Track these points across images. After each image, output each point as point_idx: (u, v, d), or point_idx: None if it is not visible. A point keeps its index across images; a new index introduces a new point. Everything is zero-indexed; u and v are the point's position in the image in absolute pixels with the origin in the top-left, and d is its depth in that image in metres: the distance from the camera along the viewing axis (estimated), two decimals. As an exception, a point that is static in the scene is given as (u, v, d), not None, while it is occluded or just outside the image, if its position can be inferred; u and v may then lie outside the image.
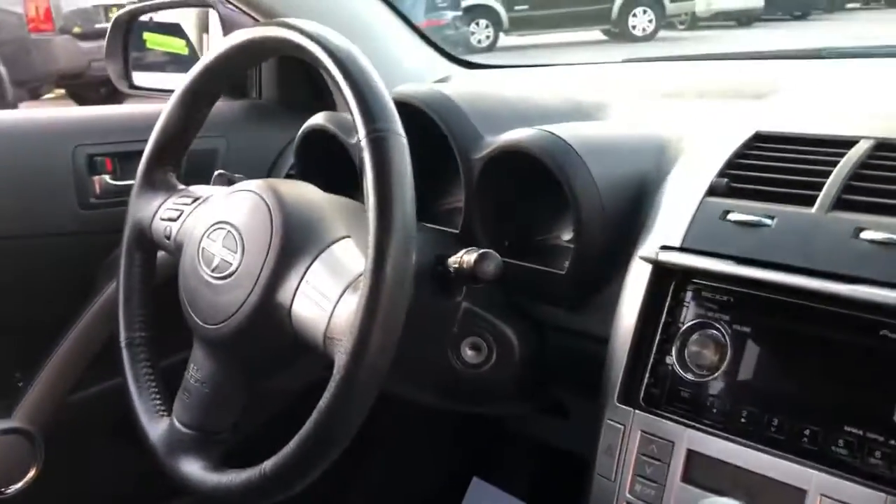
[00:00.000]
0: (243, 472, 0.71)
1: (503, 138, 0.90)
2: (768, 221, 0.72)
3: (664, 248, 0.76)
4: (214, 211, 0.83)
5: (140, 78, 1.46)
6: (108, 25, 1.45)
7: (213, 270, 0.79)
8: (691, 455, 0.71)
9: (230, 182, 0.92)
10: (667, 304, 0.75)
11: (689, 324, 0.74)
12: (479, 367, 0.89)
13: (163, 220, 0.89)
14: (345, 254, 0.75)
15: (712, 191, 0.77)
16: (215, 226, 0.81)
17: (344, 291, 0.69)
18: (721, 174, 0.79)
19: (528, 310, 0.92)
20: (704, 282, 0.74)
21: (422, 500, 1.45)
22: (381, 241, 0.63)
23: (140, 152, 0.93)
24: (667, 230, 0.78)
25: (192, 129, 0.91)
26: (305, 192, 0.83)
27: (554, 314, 0.90)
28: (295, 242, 0.75)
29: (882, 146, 0.72)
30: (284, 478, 0.68)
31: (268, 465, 0.69)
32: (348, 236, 0.76)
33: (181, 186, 0.92)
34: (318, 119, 1.08)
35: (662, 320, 0.75)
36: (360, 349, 0.63)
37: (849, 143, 0.74)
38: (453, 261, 0.79)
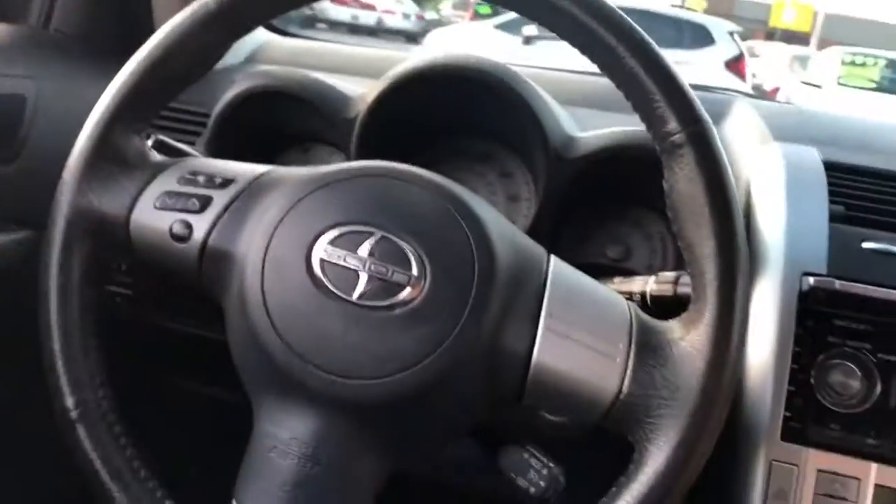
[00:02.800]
0: None
1: (604, 138, 0.82)
2: None
3: (807, 274, 0.74)
4: (317, 206, 0.56)
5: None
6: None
7: (361, 296, 0.52)
8: (879, 491, 0.69)
9: (177, 153, 0.67)
10: (810, 333, 0.73)
11: (833, 353, 0.72)
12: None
13: (162, 210, 0.59)
14: (572, 282, 0.57)
15: (833, 217, 0.77)
16: (337, 229, 0.54)
17: (631, 344, 0.53)
18: (833, 201, 0.78)
19: None
20: (846, 311, 0.72)
21: None
22: (728, 278, 0.51)
23: None
24: (799, 257, 0.77)
25: (191, 73, 0.62)
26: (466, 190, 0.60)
27: None
28: (512, 267, 0.54)
29: None
30: None
31: None
32: (548, 255, 0.58)
33: (167, 160, 0.64)
34: (279, 79, 0.87)
35: (805, 351, 0.73)
36: (706, 417, 0.50)
37: None
38: (654, 290, 0.69)
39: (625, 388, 0.51)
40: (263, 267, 0.54)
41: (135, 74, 0.60)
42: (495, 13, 12.19)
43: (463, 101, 0.85)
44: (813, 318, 0.72)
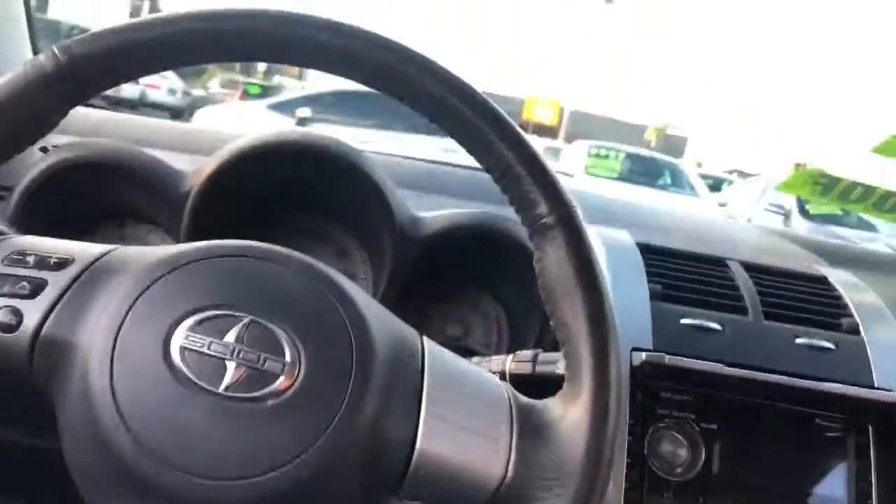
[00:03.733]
0: None
1: (448, 218, 0.84)
2: (718, 327, 0.80)
3: (636, 349, 0.78)
4: (175, 289, 0.50)
5: None
6: None
7: (228, 387, 0.47)
8: None
9: None
10: (640, 405, 0.77)
11: (662, 424, 0.76)
12: None
13: None
14: (449, 364, 0.55)
15: (653, 296, 0.83)
16: (200, 314, 0.49)
17: (513, 425, 0.52)
18: (651, 280, 0.85)
19: None
20: (672, 383, 0.77)
21: None
22: (602, 354, 0.51)
23: None
24: (626, 333, 0.81)
25: (19, 141, 0.54)
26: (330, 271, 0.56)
27: None
28: (390, 350, 0.52)
29: (749, 267, 0.92)
30: None
31: None
32: (421, 335, 0.56)
33: None
34: (103, 152, 0.81)
35: (637, 422, 0.77)
36: (591, 494, 0.50)
37: (721, 261, 0.93)
38: (513, 369, 0.70)
39: (510, 471, 0.50)
40: (112, 359, 0.47)
41: None
42: (265, 94, 12.16)
43: (300, 177, 0.83)
44: (642, 391, 0.77)
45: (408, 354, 0.53)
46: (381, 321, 0.53)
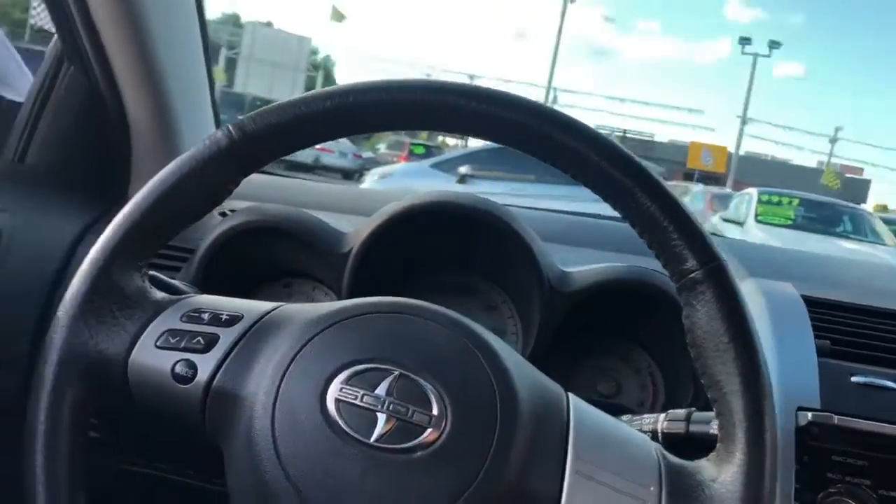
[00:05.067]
0: None
1: (598, 273, 0.83)
2: (893, 385, 0.74)
3: (802, 409, 0.73)
4: (332, 344, 0.54)
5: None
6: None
7: (379, 438, 0.49)
8: None
9: (173, 291, 0.63)
10: (808, 469, 0.73)
11: (834, 489, 0.71)
12: None
13: (164, 349, 0.56)
14: (596, 421, 0.55)
15: (820, 352, 0.78)
16: (353, 367, 0.52)
17: (662, 486, 0.51)
18: (818, 335, 0.80)
19: None
20: (844, 447, 0.72)
21: None
22: (757, 415, 0.50)
23: None
24: (792, 392, 0.77)
25: (199, 208, 0.60)
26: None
27: None
28: (535, 405, 0.52)
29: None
30: None
31: None
32: (567, 392, 0.57)
33: (169, 297, 0.61)
34: (274, 216, 0.86)
35: (804, 488, 0.72)
36: None
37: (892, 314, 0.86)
38: (665, 427, 0.66)
39: None
40: (274, 409, 0.51)
41: (140, 209, 0.57)
42: (429, 153, 12.63)
43: (451, 237, 0.86)
44: (810, 454, 0.72)
45: (553, 410, 0.53)
46: (526, 377, 0.54)
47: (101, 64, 0.92)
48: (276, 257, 0.89)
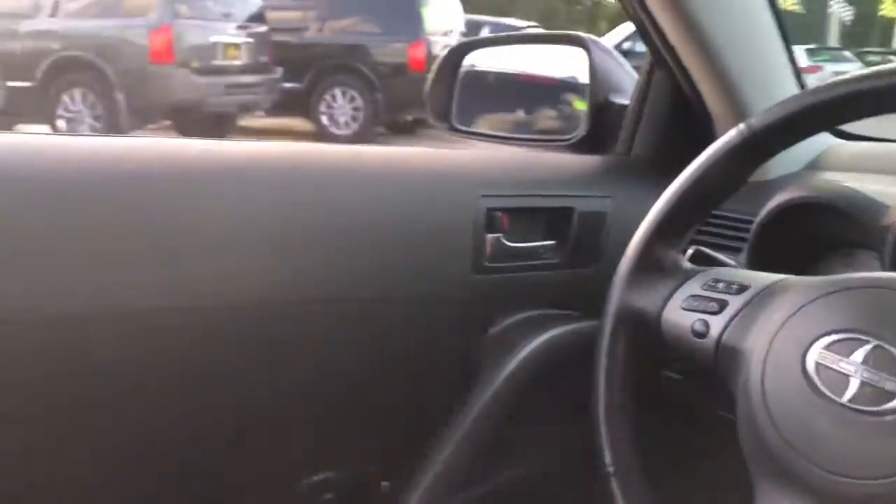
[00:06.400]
0: None
1: None
2: None
3: None
4: (818, 313, 0.62)
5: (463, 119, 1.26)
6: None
7: (851, 399, 0.56)
8: None
9: (712, 262, 0.77)
10: None
11: None
12: None
13: (687, 310, 0.70)
14: None
15: None
16: (834, 335, 0.59)
17: None
18: None
19: None
20: None
21: None
22: None
23: (531, 209, 0.87)
24: None
25: (719, 195, 0.75)
26: None
27: None
28: None
29: None
30: None
31: None
32: None
33: (695, 268, 0.75)
34: (816, 191, 0.91)
35: None
36: None
37: None
38: None
39: None
40: (765, 363, 0.62)
41: (671, 199, 0.75)
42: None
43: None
44: None
45: None
46: None
47: (681, 69, 1.09)
48: (827, 230, 0.93)
